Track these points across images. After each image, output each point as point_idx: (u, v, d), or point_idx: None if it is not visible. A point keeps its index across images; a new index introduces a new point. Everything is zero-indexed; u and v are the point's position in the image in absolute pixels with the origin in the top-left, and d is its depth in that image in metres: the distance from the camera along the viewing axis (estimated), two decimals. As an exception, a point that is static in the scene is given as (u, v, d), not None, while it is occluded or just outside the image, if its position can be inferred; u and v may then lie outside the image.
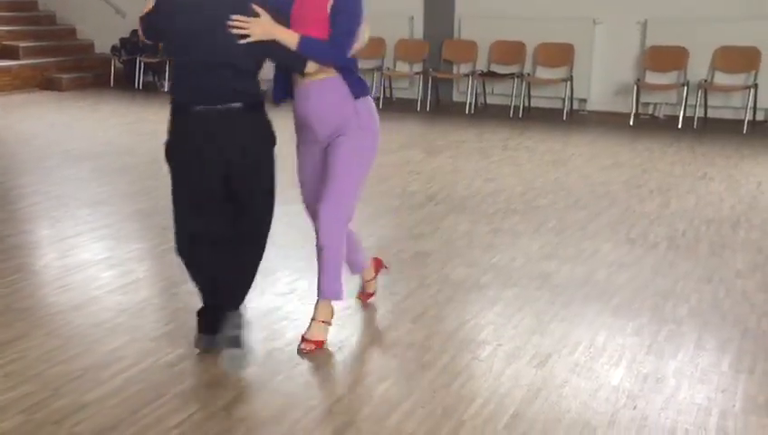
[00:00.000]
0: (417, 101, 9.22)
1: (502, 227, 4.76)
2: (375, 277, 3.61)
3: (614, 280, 3.89)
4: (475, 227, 4.75)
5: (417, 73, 9.39)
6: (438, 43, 9.39)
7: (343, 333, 3.28)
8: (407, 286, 3.80)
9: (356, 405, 2.70)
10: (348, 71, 2.99)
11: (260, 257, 3.12)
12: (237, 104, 2.81)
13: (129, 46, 10.67)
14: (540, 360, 3.04)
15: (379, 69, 9.48)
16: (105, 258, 4.16)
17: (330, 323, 3.18)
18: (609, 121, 8.50)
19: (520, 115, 8.76)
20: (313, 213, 3.19)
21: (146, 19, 2.90)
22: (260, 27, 2.77)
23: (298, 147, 3.20)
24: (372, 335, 3.28)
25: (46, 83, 10.47)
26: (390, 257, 4.21)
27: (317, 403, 2.72)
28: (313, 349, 3.09)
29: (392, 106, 9.46)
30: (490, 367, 2.99)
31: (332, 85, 2.96)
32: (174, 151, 2.89)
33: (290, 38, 2.83)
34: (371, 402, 2.72)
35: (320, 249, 3.07)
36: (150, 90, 10.59)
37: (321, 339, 3.13)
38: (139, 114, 8.85)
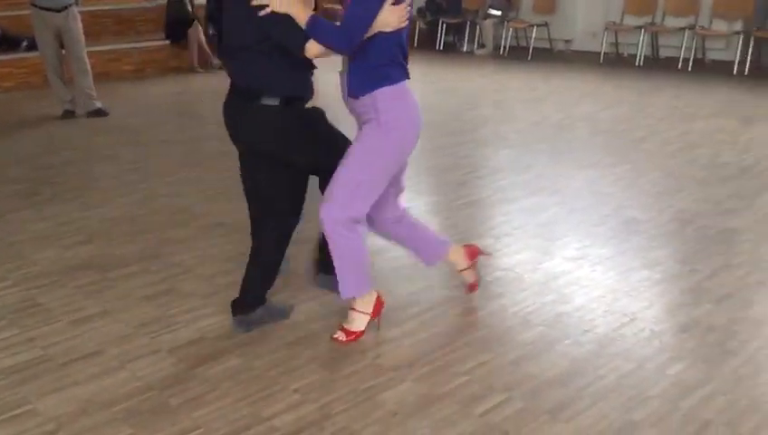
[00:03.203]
0: (735, 63, 8.34)
1: (833, 209, 4.16)
2: (470, 267, 3.19)
3: None
4: (797, 207, 4.22)
5: (736, 33, 8.47)
6: (766, -3, 8.34)
7: (636, 305, 3.15)
8: (711, 265, 3.51)
9: (647, 382, 2.59)
10: (358, 60, 2.65)
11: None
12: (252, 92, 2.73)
13: (432, 8, 11.10)
14: None
15: (692, 27, 8.72)
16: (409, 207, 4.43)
17: (370, 315, 2.88)
18: None
19: None
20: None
21: None
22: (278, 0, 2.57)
23: None
24: (668, 312, 3.10)
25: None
26: (693, 232, 3.92)
27: (605, 373, 2.65)
28: (344, 340, 2.88)
29: (704, 69, 8.68)
30: (808, 364, 2.66)
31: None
32: None
33: (302, 16, 2.56)
34: (664, 381, 2.59)
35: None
36: (450, 50, 10.94)
37: (358, 330, 2.89)
38: (439, 74, 9.21)
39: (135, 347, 2.88)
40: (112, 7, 10.25)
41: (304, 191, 2.95)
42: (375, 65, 2.65)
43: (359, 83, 2.67)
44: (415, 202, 4.55)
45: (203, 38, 9.76)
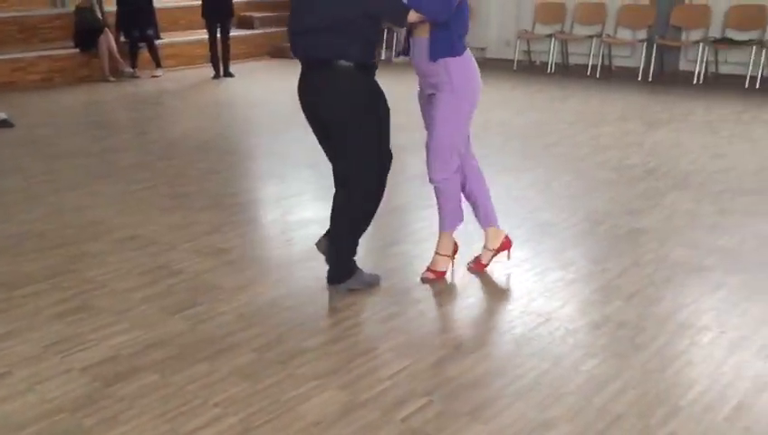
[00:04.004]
0: (639, 69, 8.72)
1: (730, 208, 4.39)
2: (496, 253, 3.63)
3: None
4: (698, 206, 4.44)
5: (640, 41, 8.86)
6: (666, 7, 8.76)
7: (551, 304, 3.24)
8: (620, 263, 3.65)
9: (562, 380, 2.67)
10: (441, 29, 3.12)
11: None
12: (337, 63, 3.07)
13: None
14: (769, 353, 2.80)
15: (599, 36, 9.07)
16: (325, 217, 4.40)
17: (450, 257, 3.54)
18: None
19: (757, 86, 7.96)
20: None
21: None
22: None
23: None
24: (581, 310, 3.21)
25: (276, 51, 11.28)
26: (603, 232, 4.07)
27: (523, 372, 2.72)
28: (433, 278, 3.48)
29: (611, 75, 9.04)
30: (710, 354, 2.80)
31: (426, 45, 3.18)
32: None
33: None
34: (578, 378, 2.67)
35: (435, 191, 3.45)
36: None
37: (442, 270, 3.50)
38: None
39: (45, 368, 2.77)
40: (17, 14, 9.84)
41: None
42: (451, 34, 3.14)
43: (438, 49, 3.14)
44: (335, 210, 4.55)
45: (114, 45, 9.49)
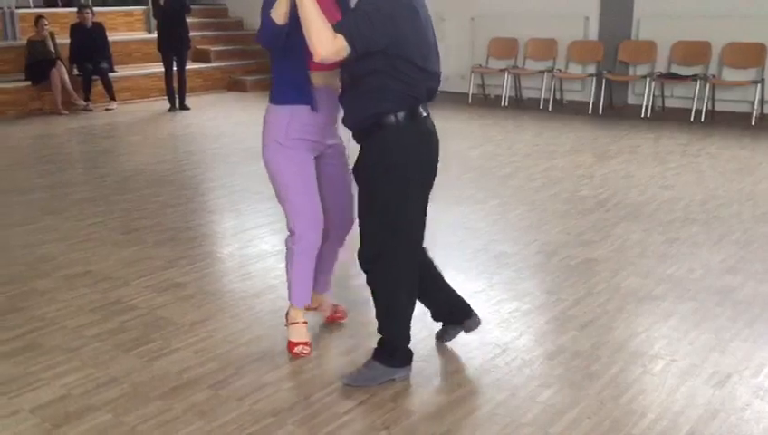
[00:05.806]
0: (590, 103, 8.94)
1: (679, 237, 4.51)
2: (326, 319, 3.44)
3: (807, 300, 3.58)
4: (648, 236, 4.55)
5: (590, 75, 9.11)
6: (614, 43, 9.03)
7: (508, 335, 3.27)
8: (574, 293, 3.71)
9: (519, 410, 2.69)
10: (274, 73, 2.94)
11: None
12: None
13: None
14: (719, 379, 2.87)
15: (550, 70, 9.29)
16: (282, 250, 4.40)
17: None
18: (806, 127, 7.80)
19: (702, 119, 8.23)
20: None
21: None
22: None
23: None
24: (537, 340, 3.24)
25: (232, 85, 11.28)
26: (557, 263, 4.13)
27: (480, 404, 2.73)
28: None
29: (563, 109, 9.25)
30: (663, 382, 2.86)
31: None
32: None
33: None
34: (535, 409, 2.70)
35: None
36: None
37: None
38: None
39: (-9, 409, 2.68)
40: (-35, 46, 9.67)
41: None
42: None
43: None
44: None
45: (67, 78, 9.37)
